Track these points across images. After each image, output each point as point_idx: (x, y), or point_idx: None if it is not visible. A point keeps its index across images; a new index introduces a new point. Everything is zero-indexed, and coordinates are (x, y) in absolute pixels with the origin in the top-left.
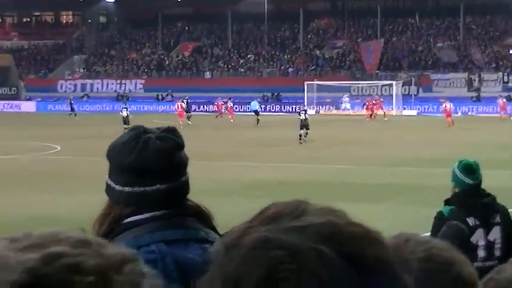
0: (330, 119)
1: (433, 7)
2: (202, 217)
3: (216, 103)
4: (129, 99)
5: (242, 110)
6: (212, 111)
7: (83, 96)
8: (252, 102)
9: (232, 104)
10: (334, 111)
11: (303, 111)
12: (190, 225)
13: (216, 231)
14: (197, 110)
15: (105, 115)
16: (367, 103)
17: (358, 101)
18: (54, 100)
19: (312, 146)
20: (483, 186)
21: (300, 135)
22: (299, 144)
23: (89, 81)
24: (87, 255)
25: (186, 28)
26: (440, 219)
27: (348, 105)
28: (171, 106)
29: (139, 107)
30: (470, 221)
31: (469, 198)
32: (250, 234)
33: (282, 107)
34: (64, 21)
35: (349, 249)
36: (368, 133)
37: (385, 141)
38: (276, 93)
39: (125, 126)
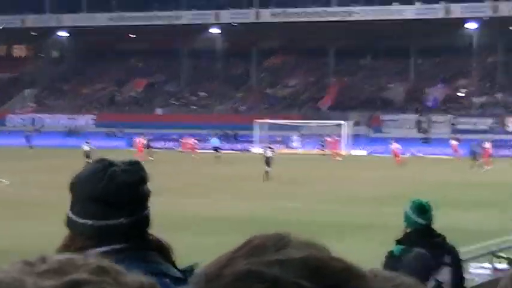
0: (282, 157)
1: (385, 48)
2: (163, 251)
3: (181, 141)
4: (80, 134)
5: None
6: (165, 148)
7: (31, 132)
8: (212, 139)
9: (196, 141)
10: (285, 150)
11: (269, 149)
12: (151, 259)
13: (175, 266)
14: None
15: (56, 150)
16: (328, 141)
17: (308, 140)
18: (6, 134)
19: (269, 183)
20: (433, 226)
21: (266, 171)
22: (263, 181)
23: (39, 115)
24: (106, 283)
25: (139, 64)
26: (391, 258)
27: (298, 144)
28: (121, 142)
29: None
30: None
31: (420, 238)
32: (232, 266)
33: (234, 144)
34: (16, 55)
35: (330, 284)
36: (321, 171)
37: (340, 179)
38: (235, 132)
39: (87, 160)
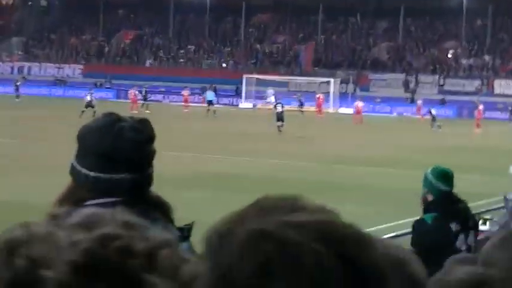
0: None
1: (375, 8)
2: (162, 208)
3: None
4: (67, 83)
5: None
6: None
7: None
8: (208, 92)
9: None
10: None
11: (279, 104)
12: (150, 214)
13: (173, 224)
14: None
15: (42, 99)
16: (318, 99)
17: (294, 96)
18: None
19: (249, 140)
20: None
21: (278, 126)
22: (278, 134)
23: (26, 64)
24: (135, 238)
25: (128, 16)
26: (422, 227)
27: (272, 99)
28: (109, 94)
29: (77, 93)
30: (453, 226)
31: (449, 204)
32: (245, 225)
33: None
34: (4, 2)
35: (344, 251)
36: (303, 130)
37: (323, 138)
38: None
39: (91, 109)
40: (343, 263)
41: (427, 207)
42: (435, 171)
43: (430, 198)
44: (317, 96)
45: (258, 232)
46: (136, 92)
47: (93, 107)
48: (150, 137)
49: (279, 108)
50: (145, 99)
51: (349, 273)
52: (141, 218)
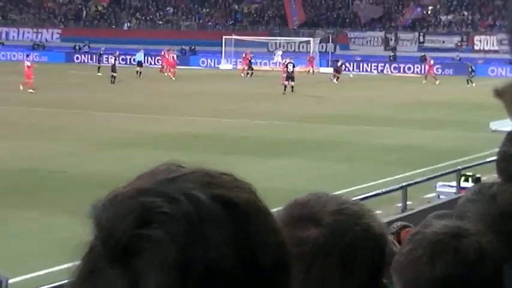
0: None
1: None
2: None
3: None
4: (45, 48)
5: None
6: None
7: None
8: (137, 54)
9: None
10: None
11: (290, 64)
12: None
13: None
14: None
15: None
16: (309, 58)
17: (272, 56)
18: None
19: (228, 100)
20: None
21: (285, 86)
22: (282, 94)
23: (4, 28)
24: None
25: None
26: None
27: (280, 59)
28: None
29: (56, 57)
30: None
31: None
32: (125, 190)
33: (200, 61)
34: None
35: (219, 193)
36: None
37: (300, 98)
38: (192, 47)
39: (112, 73)
40: (222, 205)
41: None
42: None
43: None
44: (310, 56)
45: (136, 190)
46: (173, 53)
47: (115, 71)
48: None
49: (290, 68)
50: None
51: (227, 213)
52: None
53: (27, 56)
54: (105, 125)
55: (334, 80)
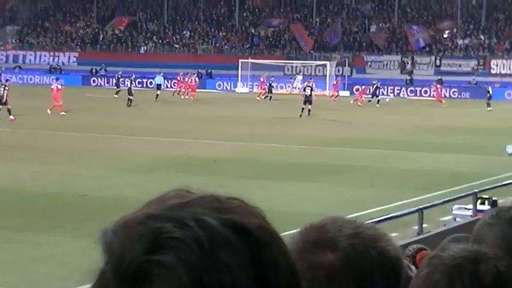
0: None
1: None
2: None
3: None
4: (62, 71)
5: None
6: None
7: (15, 68)
8: (157, 77)
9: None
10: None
11: (309, 88)
12: None
13: None
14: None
15: (37, 87)
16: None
17: (291, 80)
18: None
19: (246, 124)
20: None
21: (303, 109)
22: (299, 117)
23: (21, 52)
24: None
25: (122, 1)
26: None
27: (299, 84)
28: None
29: (73, 80)
30: None
31: None
32: (135, 215)
33: (216, 84)
34: None
35: (229, 218)
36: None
37: (319, 122)
38: (209, 71)
39: (129, 96)
40: (232, 229)
41: None
42: None
43: None
44: (335, 81)
45: (147, 216)
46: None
47: (131, 94)
48: None
49: (308, 92)
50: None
51: (237, 237)
52: None
53: (57, 79)
54: (124, 148)
55: (377, 105)
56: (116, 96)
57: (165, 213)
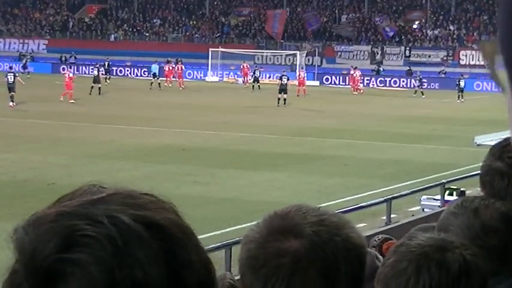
0: (233, 87)
1: None
2: None
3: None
4: (33, 59)
5: (145, 75)
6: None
7: None
8: (152, 66)
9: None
10: (239, 79)
11: (285, 76)
12: None
13: None
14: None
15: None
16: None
17: (261, 69)
18: None
19: (216, 112)
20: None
21: (279, 99)
22: (277, 107)
23: None
24: None
25: None
26: None
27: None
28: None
29: (43, 68)
30: None
31: None
32: (47, 212)
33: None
34: None
35: (142, 214)
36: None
37: (293, 111)
38: (179, 59)
39: (97, 85)
40: (143, 225)
41: None
42: None
43: None
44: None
45: (60, 213)
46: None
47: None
48: None
49: (284, 80)
50: (107, 72)
51: (149, 233)
52: None
53: (70, 67)
54: (94, 136)
55: (423, 97)
56: (107, 83)
57: (78, 210)
